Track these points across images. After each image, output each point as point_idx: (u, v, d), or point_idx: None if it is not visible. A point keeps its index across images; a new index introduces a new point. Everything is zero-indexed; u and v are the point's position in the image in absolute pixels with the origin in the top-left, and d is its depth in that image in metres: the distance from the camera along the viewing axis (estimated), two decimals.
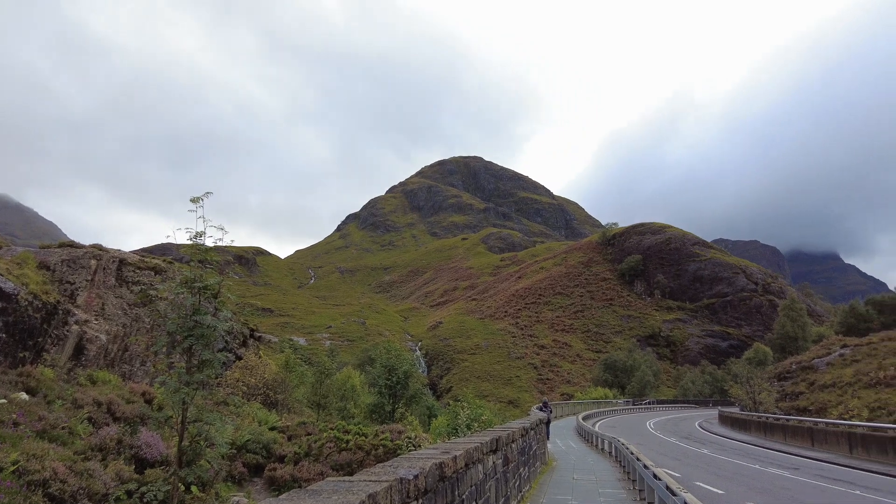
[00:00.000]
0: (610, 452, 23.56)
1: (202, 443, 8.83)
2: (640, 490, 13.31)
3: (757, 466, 21.63)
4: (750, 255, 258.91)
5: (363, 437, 14.84)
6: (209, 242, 9.53)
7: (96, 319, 21.50)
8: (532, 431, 16.17)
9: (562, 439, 32.87)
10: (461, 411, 22.14)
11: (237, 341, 29.97)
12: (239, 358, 27.81)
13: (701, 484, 16.01)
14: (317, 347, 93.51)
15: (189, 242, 9.47)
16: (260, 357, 28.81)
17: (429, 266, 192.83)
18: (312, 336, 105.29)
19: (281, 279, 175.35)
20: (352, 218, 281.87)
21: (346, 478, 4.47)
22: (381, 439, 14.62)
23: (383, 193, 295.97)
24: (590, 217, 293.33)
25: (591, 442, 29.68)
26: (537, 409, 29.74)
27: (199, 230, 9.41)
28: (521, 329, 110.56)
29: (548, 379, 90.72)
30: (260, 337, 36.96)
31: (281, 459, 14.39)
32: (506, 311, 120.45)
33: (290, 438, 18.44)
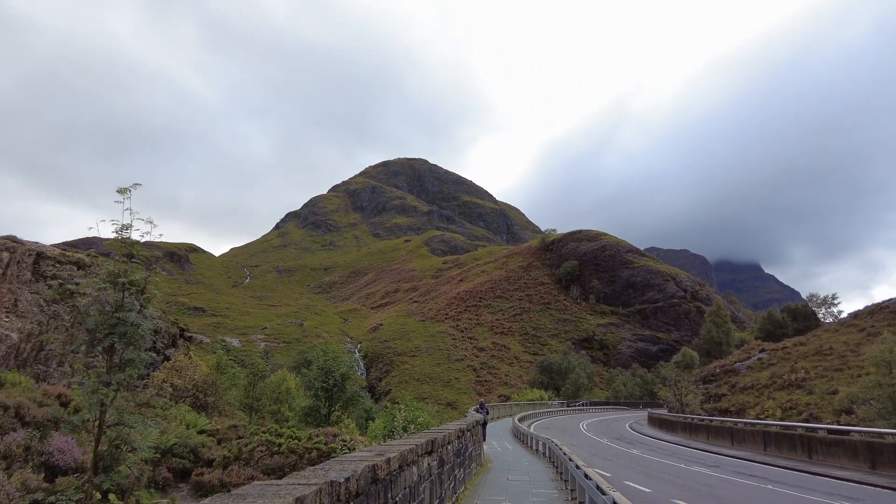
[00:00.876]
0: (544, 453, 24.02)
1: (123, 447, 8.34)
2: (571, 490, 13.61)
3: (682, 465, 22.59)
4: (680, 263, 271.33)
5: (296, 441, 14.47)
6: (136, 236, 9.04)
7: (7, 316, 20.02)
8: (468, 433, 16.25)
9: (498, 441, 33.25)
10: (398, 413, 21.98)
11: (165, 341, 28.65)
12: (167, 359, 26.59)
13: (630, 483, 16.55)
14: (251, 349, 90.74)
15: (114, 236, 8.97)
16: (190, 358, 27.66)
17: (371, 267, 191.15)
18: (247, 337, 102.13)
19: (215, 278, 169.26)
20: (292, 216, 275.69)
21: (275, 481, 4.31)
22: (315, 442, 14.30)
23: (325, 192, 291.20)
24: (530, 223, 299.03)
25: (527, 443, 30.16)
26: (474, 410, 29.99)
27: (125, 223, 8.91)
28: (462, 331, 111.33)
29: (486, 381, 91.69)
30: (190, 337, 35.51)
31: (209, 464, 13.82)
32: (447, 314, 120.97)
33: (220, 442, 17.76)
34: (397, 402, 23.20)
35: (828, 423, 27.66)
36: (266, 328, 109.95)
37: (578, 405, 74.16)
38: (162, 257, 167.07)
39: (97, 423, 8.01)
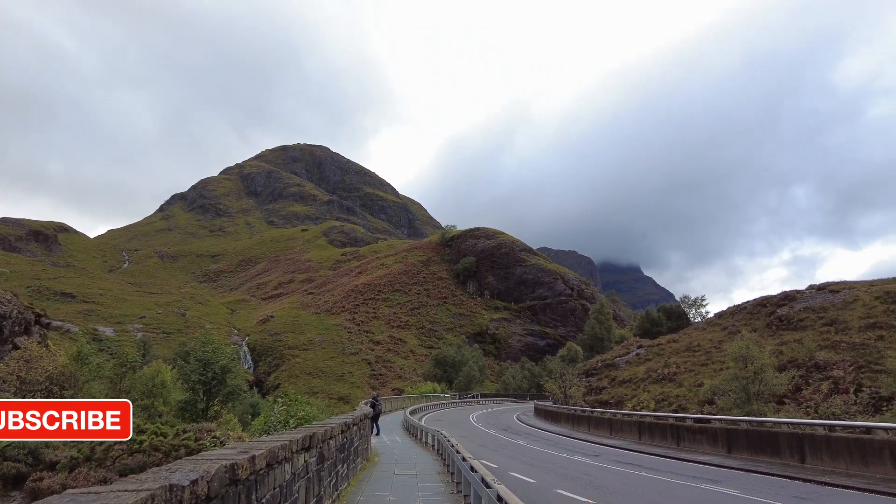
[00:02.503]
0: (433, 446, 23.90)
1: None
2: (458, 483, 13.46)
3: (565, 455, 23.41)
4: (568, 263, 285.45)
5: (161, 438, 13.09)
6: None
7: None
8: (355, 427, 15.64)
9: (388, 434, 32.84)
10: (276, 407, 20.83)
11: (15, 328, 25.34)
12: (16, 347, 23.48)
13: (515, 474, 16.76)
14: (126, 339, 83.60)
15: None
16: (47, 347, 24.63)
17: (263, 256, 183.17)
18: (122, 327, 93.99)
19: (88, 261, 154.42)
20: (178, 198, 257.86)
21: (96, 488, 3.54)
22: (184, 439, 13.02)
23: (216, 174, 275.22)
24: (432, 218, 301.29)
25: (417, 436, 29.99)
26: (365, 403, 29.36)
27: None
28: (358, 325, 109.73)
29: (381, 374, 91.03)
30: (49, 324, 31.77)
31: (52, 467, 12.12)
32: (343, 307, 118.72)
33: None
34: (280, 397, 22.15)
35: (694, 413, 29.96)
36: (144, 317, 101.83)
37: (470, 397, 75.60)
38: (24, 236, 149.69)
39: None
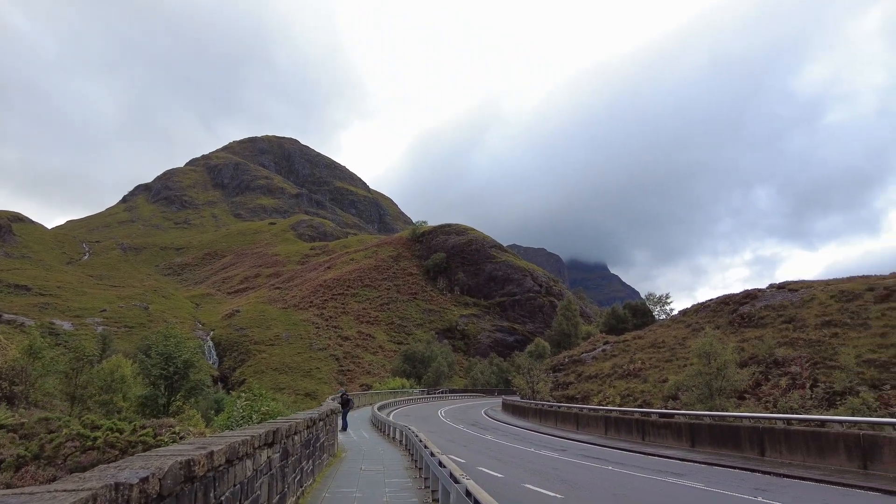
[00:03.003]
0: (401, 441, 23.74)
1: None
2: (426, 478, 13.33)
3: (533, 450, 23.51)
4: (537, 260, 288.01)
5: (117, 434, 12.56)
6: None
7: None
8: (321, 422, 15.37)
9: (355, 430, 32.55)
10: (238, 402, 20.33)
11: None
12: None
13: (483, 469, 16.72)
14: (86, 333, 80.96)
15: None
16: None
17: (229, 249, 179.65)
18: (81, 320, 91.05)
19: (45, 252, 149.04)
20: (142, 189, 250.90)
21: (31, 488, 3.26)
22: (142, 435, 12.51)
23: (182, 165, 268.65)
24: (402, 213, 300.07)
25: (385, 431, 29.78)
26: (333, 399, 29.00)
27: None
28: (326, 320, 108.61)
29: (349, 370, 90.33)
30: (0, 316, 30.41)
31: None
32: (311, 302, 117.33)
33: (25, 438, 15.12)
34: (244, 392, 21.64)
35: (658, 409, 30.47)
36: (105, 311, 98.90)
37: (439, 393, 75.62)
38: None
39: None
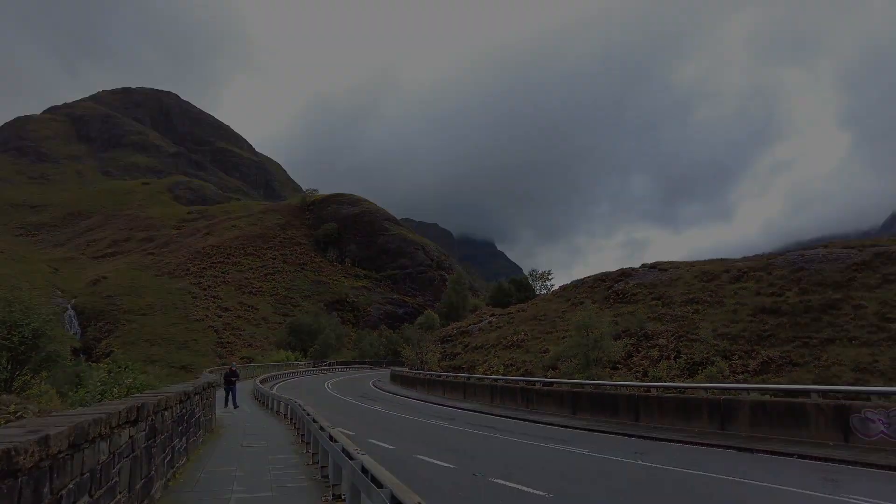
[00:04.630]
0: (286, 415, 22.70)
1: None
2: (314, 454, 12.63)
3: (422, 420, 23.48)
4: (430, 235, 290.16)
5: None
6: None
7: None
8: (197, 396, 14.07)
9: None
10: (96, 374, 18.22)
11: None
12: None
13: (374, 441, 16.29)
14: None
15: None
16: None
17: (96, 210, 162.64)
18: None
19: None
20: None
21: None
22: None
23: (39, 113, 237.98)
24: (291, 180, 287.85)
25: (268, 405, 28.46)
26: (213, 373, 27.09)
27: None
28: (204, 290, 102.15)
29: (229, 342, 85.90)
30: None
31: None
32: (188, 269, 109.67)
33: None
34: (107, 364, 19.35)
35: (540, 377, 31.77)
36: None
37: (326, 365, 74.28)
38: None
39: None
